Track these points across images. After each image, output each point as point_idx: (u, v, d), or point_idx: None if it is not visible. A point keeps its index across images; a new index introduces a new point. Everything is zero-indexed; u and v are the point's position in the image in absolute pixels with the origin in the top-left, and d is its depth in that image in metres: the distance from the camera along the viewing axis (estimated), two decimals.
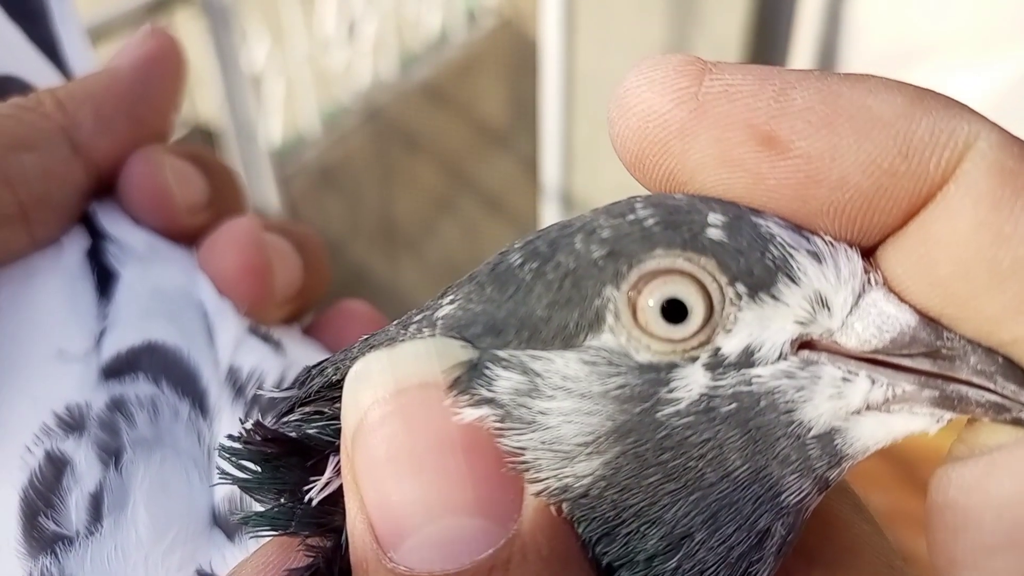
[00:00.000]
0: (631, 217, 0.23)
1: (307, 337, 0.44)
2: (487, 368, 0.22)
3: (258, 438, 0.24)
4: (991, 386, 0.22)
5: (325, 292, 0.46)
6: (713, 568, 0.23)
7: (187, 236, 0.43)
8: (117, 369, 0.37)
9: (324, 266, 0.46)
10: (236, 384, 0.37)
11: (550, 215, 2.04)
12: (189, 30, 1.58)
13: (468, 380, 0.22)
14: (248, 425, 0.24)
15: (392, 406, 0.22)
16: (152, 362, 0.37)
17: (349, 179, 2.02)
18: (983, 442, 0.23)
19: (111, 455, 0.34)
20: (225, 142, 1.71)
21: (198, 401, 0.36)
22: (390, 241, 2.12)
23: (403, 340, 0.24)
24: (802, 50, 1.74)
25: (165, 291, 0.40)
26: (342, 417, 0.23)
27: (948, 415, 0.23)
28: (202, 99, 1.89)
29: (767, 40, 1.79)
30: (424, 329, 0.24)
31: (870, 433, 0.23)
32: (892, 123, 0.21)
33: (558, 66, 1.86)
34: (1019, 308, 0.21)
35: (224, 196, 0.45)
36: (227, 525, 0.34)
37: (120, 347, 0.37)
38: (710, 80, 0.23)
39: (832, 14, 1.72)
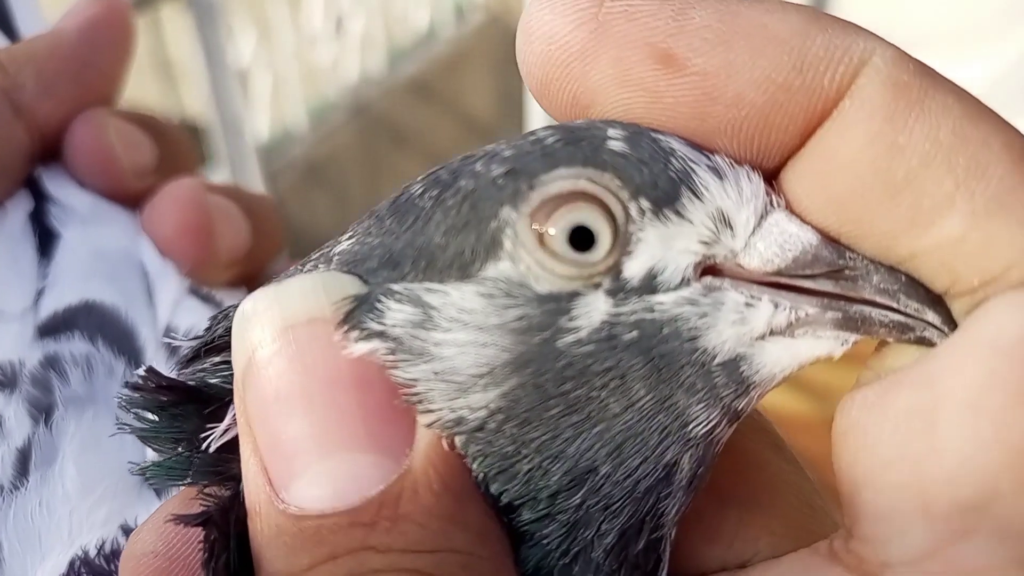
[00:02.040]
0: (532, 138, 0.23)
1: None
2: (379, 301, 0.22)
3: (152, 385, 0.23)
4: (894, 305, 0.22)
5: (276, 255, 0.46)
6: (619, 503, 0.22)
7: (134, 199, 0.43)
8: (53, 327, 0.37)
9: (275, 230, 0.46)
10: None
11: None
12: (175, 25, 1.58)
13: (359, 315, 0.22)
14: (141, 372, 0.24)
15: (280, 343, 0.21)
16: (89, 321, 0.37)
17: (336, 174, 2.02)
18: (889, 366, 0.22)
19: (42, 411, 0.34)
20: (212, 137, 1.71)
21: (134, 359, 0.36)
22: None
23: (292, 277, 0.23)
24: None
25: (106, 252, 0.40)
26: (232, 356, 0.22)
27: (852, 337, 0.22)
28: (188, 94, 1.89)
29: None
30: (320, 266, 0.23)
31: (775, 359, 0.22)
32: (787, 40, 0.21)
33: None
34: (914, 221, 0.21)
35: (174, 160, 0.44)
36: None
37: (58, 306, 0.37)
38: (611, 1, 0.22)
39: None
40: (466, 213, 0.22)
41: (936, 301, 0.22)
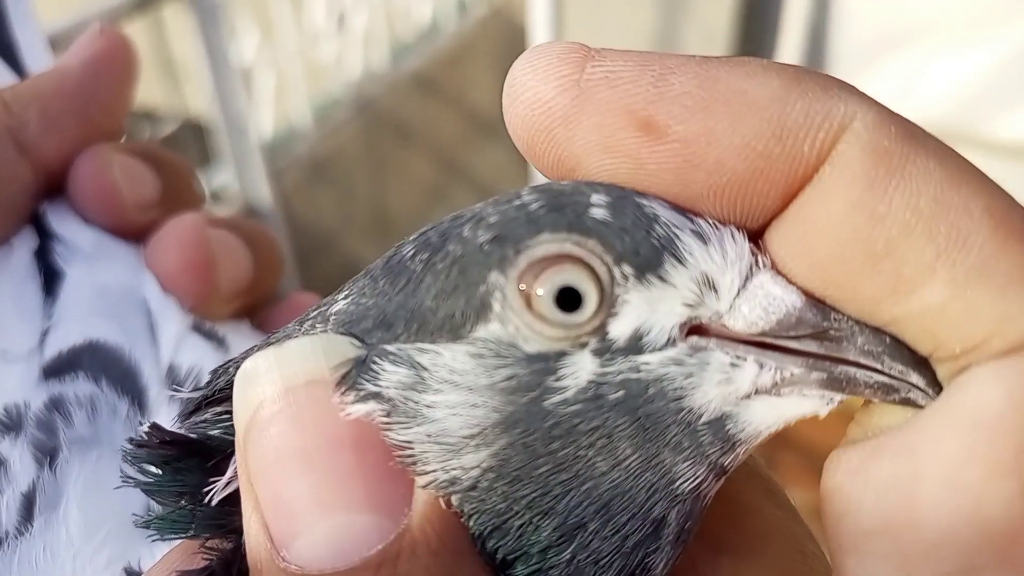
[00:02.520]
0: (517, 203, 0.23)
1: (258, 332, 0.45)
2: (374, 363, 0.22)
3: (156, 441, 0.24)
4: (878, 366, 0.22)
5: (277, 286, 0.46)
6: (608, 558, 0.23)
7: (138, 233, 0.43)
8: (58, 368, 0.37)
9: (276, 260, 0.46)
10: (175, 382, 0.37)
11: None
12: (178, 24, 1.58)
13: (356, 376, 0.22)
14: (145, 428, 0.24)
15: (280, 404, 0.22)
16: (93, 361, 0.37)
17: (341, 171, 2.02)
18: (876, 424, 0.23)
19: (46, 455, 0.34)
20: (216, 136, 1.71)
21: (137, 399, 0.37)
22: (383, 233, 2.13)
23: (293, 337, 0.24)
24: (791, 38, 1.73)
25: (110, 289, 0.40)
26: (234, 416, 0.23)
27: (837, 396, 0.23)
28: (192, 93, 1.90)
29: (756, 28, 1.78)
30: (317, 325, 0.24)
31: (761, 417, 0.23)
32: (767, 106, 0.21)
33: None
34: (895, 288, 0.21)
35: (177, 193, 0.45)
36: None
37: (62, 346, 0.38)
38: (592, 67, 0.22)
39: (821, 0, 1.71)
40: (455, 277, 0.23)
41: (920, 363, 0.22)
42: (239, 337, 0.42)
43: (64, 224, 0.42)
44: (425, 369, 0.22)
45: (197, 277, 0.40)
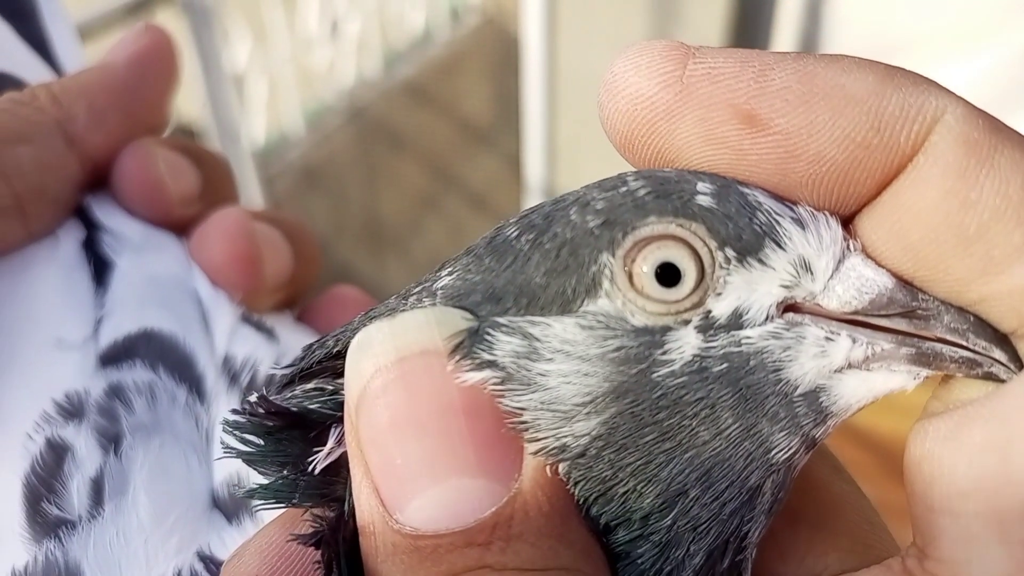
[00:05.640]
0: (623, 189, 0.24)
1: (300, 324, 0.45)
2: (488, 333, 0.23)
3: (261, 411, 0.25)
4: (964, 343, 0.23)
5: (316, 279, 0.47)
6: (706, 524, 0.24)
7: (180, 227, 0.44)
8: (115, 356, 0.37)
9: (314, 254, 0.47)
10: (231, 372, 0.38)
11: None
12: (171, 30, 1.58)
13: (469, 346, 0.23)
14: (252, 398, 0.25)
15: (394, 374, 0.23)
16: (149, 349, 0.37)
17: (333, 178, 2.02)
18: (956, 397, 0.24)
19: (111, 441, 0.35)
20: (208, 142, 1.71)
21: (195, 386, 0.37)
22: (375, 240, 2.13)
23: (403, 310, 0.25)
24: (783, 44, 1.75)
25: (160, 280, 0.40)
26: (345, 386, 0.24)
27: (924, 372, 0.24)
28: (184, 99, 1.89)
29: (748, 35, 1.80)
30: (424, 299, 0.25)
31: (852, 391, 0.24)
32: (864, 100, 0.23)
33: (541, 63, 1.86)
34: (984, 269, 0.22)
35: (216, 187, 0.45)
36: (227, 507, 0.34)
37: (117, 335, 0.38)
38: (694, 64, 0.24)
39: (813, 8, 1.73)
40: (565, 258, 0.24)
41: (1003, 340, 0.24)
42: (285, 328, 0.42)
43: (110, 216, 0.42)
44: (537, 340, 0.23)
45: (244, 269, 0.41)
